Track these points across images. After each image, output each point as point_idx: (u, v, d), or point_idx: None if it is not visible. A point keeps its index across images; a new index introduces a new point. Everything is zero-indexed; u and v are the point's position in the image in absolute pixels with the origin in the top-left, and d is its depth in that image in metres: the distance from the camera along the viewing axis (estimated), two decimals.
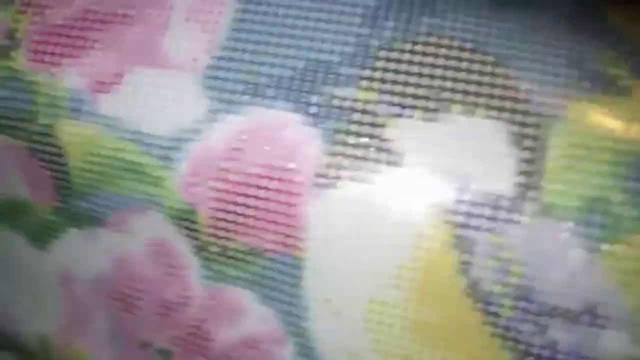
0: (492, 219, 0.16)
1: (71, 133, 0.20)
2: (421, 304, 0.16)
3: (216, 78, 0.18)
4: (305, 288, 0.17)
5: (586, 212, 0.16)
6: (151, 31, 0.19)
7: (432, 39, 0.17)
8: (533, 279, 0.16)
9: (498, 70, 0.16)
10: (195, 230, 0.19)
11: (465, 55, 0.17)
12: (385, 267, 0.17)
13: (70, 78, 0.19)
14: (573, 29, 0.17)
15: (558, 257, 0.16)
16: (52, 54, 0.19)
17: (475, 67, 0.17)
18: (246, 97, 0.18)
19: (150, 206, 0.19)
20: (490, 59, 0.17)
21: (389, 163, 0.17)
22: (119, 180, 0.19)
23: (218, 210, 0.18)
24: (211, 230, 0.18)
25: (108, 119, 0.19)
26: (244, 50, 0.18)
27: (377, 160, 0.17)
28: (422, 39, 0.17)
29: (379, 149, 0.17)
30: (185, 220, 0.19)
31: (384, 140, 0.17)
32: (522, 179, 0.16)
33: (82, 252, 0.21)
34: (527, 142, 0.16)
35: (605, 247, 0.15)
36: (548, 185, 0.16)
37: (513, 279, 0.16)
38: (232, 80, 0.18)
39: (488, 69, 0.16)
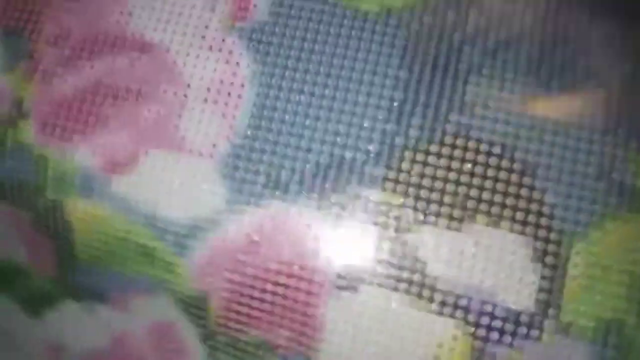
0: (512, 334, 0.16)
1: (80, 210, 0.19)
2: None
3: (236, 168, 0.18)
4: None
5: (602, 334, 0.16)
6: (168, 111, 0.18)
7: (459, 141, 0.17)
8: None
9: (524, 180, 0.16)
10: (205, 319, 0.18)
11: (493, 161, 0.17)
12: None
13: (82, 155, 0.19)
14: (606, 130, 0.17)
15: None
16: (63, 128, 0.18)
17: (502, 175, 0.17)
18: (267, 191, 0.18)
19: (158, 289, 0.19)
20: (518, 166, 0.17)
21: (411, 271, 0.17)
22: (127, 261, 0.19)
23: (231, 301, 0.18)
24: (222, 321, 0.18)
25: (121, 201, 0.18)
26: (266, 140, 0.18)
27: (400, 267, 0.17)
28: (449, 140, 0.17)
29: (403, 256, 0.17)
30: (195, 307, 0.18)
31: (408, 246, 0.17)
32: (543, 296, 0.16)
33: (78, 325, 0.21)
34: (550, 259, 0.16)
35: None
36: (567, 305, 0.16)
37: None
38: (252, 171, 0.18)
39: (514, 178, 0.16)
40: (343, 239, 0.17)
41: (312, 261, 0.17)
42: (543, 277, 0.16)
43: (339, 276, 0.17)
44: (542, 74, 0.17)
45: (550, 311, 0.16)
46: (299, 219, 0.17)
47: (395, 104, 0.17)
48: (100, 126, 0.19)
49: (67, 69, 0.19)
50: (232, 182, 0.18)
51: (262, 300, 0.17)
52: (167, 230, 0.18)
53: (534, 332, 0.16)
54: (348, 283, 0.17)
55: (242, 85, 0.18)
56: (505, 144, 0.17)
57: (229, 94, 0.18)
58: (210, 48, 0.19)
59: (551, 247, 0.16)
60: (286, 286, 0.17)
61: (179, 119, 0.18)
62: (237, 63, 0.18)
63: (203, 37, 0.18)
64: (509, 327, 0.16)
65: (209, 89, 0.18)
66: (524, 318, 0.16)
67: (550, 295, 0.16)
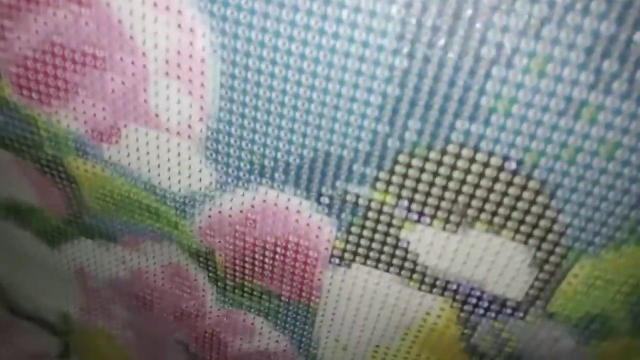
0: (497, 312, 0.17)
1: (81, 168, 0.19)
2: (422, 349, 0.19)
3: (217, 151, 0.16)
4: (317, 327, 0.20)
5: (586, 322, 0.16)
6: (131, 83, 0.16)
7: (465, 152, 0.14)
8: (523, 351, 0.18)
9: (539, 199, 0.14)
10: (212, 267, 0.20)
11: (505, 177, 0.14)
12: (393, 328, 0.18)
13: (67, 122, 0.17)
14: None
15: (550, 342, 0.17)
16: (38, 92, 0.17)
17: (513, 191, 0.14)
18: (253, 177, 0.16)
19: (166, 239, 0.20)
20: (534, 185, 0.14)
21: (403, 259, 0.16)
22: (134, 214, 0.19)
23: (235, 258, 0.19)
24: (229, 271, 0.20)
25: (116, 166, 0.18)
26: (242, 127, 0.15)
27: (392, 255, 0.16)
28: (452, 149, 0.14)
29: (394, 246, 0.16)
30: (202, 257, 0.20)
31: (400, 239, 0.16)
32: (533, 292, 0.16)
33: (96, 258, 0.22)
34: (549, 267, 0.15)
35: (594, 342, 0.17)
36: (557, 300, 0.16)
37: (507, 349, 0.18)
38: (234, 157, 0.16)
39: (527, 195, 0.14)
40: (335, 227, 0.16)
41: (306, 241, 0.17)
42: (537, 279, 0.15)
43: (333, 256, 0.17)
44: None
45: (538, 302, 0.16)
46: (289, 205, 0.16)
47: (389, 102, 0.14)
48: (73, 94, 0.17)
49: (14, 22, 0.16)
50: (217, 165, 0.16)
51: (263, 262, 0.19)
52: (167, 197, 0.18)
53: (519, 314, 0.16)
54: (341, 261, 0.17)
55: (203, 60, 0.15)
56: (524, 160, 0.13)
57: (191, 68, 0.15)
58: (155, 4, 0.14)
59: (553, 258, 0.15)
60: (284, 256, 0.18)
61: (146, 94, 0.16)
62: (191, 29, 0.14)
63: None
64: (494, 307, 0.17)
65: (167, 61, 0.15)
66: (510, 303, 0.16)
67: (542, 292, 0.16)
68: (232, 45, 0.14)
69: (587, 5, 0.11)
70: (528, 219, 0.14)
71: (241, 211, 0.17)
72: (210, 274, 0.20)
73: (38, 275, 0.25)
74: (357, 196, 0.16)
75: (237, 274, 0.19)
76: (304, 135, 0.15)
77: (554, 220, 0.14)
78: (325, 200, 0.16)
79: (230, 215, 0.18)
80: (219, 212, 0.18)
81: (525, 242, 0.15)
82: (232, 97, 0.15)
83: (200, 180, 0.17)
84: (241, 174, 0.16)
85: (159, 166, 0.17)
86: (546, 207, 0.14)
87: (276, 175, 0.16)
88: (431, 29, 0.12)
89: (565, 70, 0.12)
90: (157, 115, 0.16)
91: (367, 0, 0.13)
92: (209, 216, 0.18)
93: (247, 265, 0.19)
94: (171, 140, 0.17)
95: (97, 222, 0.21)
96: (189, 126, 0.16)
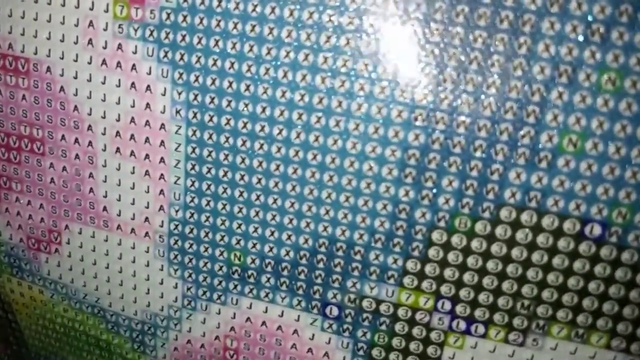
0: None
1: (16, 291, 0.15)
2: None
3: (184, 253, 0.12)
4: None
5: None
6: (75, 169, 0.12)
7: (526, 215, 0.10)
8: None
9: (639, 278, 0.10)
10: None
11: (586, 248, 0.10)
12: None
13: (2, 230, 0.14)
14: None
15: None
16: None
17: (600, 270, 0.10)
18: (232, 284, 0.12)
19: None
20: (629, 256, 0.10)
21: None
22: (82, 352, 0.15)
23: None
24: None
25: (57, 285, 0.14)
26: (216, 213, 0.12)
27: None
28: (507, 214, 0.10)
29: None
30: None
31: None
32: None
33: None
34: None
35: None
36: None
37: None
38: (207, 257, 0.12)
39: (621, 274, 0.10)
40: (350, 351, 0.12)
41: None
42: None
43: None
44: None
45: None
46: (282, 323, 0.12)
47: (411, 169, 0.10)
48: (5, 190, 0.13)
49: None
50: (184, 271, 0.12)
51: None
52: (120, 324, 0.14)
53: None
54: None
55: (163, 127, 0.11)
56: (611, 220, 0.09)
57: (148, 140, 0.12)
58: (104, 63, 0.11)
59: None
60: None
61: (93, 181, 0.12)
62: (149, 88, 0.11)
63: (90, 45, 0.11)
64: None
65: (118, 134, 0.12)
66: None
67: None
68: (201, 101, 0.11)
69: None
70: (627, 312, 0.10)
71: (217, 338, 0.13)
72: None
73: None
74: (378, 301, 0.11)
75: None
76: (299, 217, 0.11)
77: None
78: (332, 311, 0.12)
79: (203, 346, 0.13)
80: (188, 341, 0.13)
81: (627, 349, 0.10)
82: (202, 173, 0.11)
83: (163, 295, 0.13)
84: (216, 281, 0.12)
85: (108, 280, 0.13)
86: None
87: (263, 279, 0.12)
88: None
89: None
90: (105, 209, 0.13)
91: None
92: (175, 348, 0.13)
93: None
94: (124, 242, 0.13)
95: None
96: (147, 220, 0.12)
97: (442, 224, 0.10)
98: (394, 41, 0.10)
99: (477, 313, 0.11)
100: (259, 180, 0.11)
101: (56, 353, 0.15)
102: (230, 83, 0.11)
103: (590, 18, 0.09)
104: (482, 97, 0.10)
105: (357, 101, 0.10)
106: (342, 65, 0.10)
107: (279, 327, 0.12)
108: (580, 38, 0.09)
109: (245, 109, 0.11)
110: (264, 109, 0.11)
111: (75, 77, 0.12)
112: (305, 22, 0.10)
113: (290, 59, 0.10)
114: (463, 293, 0.11)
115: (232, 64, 0.11)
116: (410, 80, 0.10)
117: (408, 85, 0.10)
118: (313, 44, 0.10)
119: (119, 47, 0.11)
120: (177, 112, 0.11)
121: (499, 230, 0.10)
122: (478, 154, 0.10)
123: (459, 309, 0.11)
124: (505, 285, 0.10)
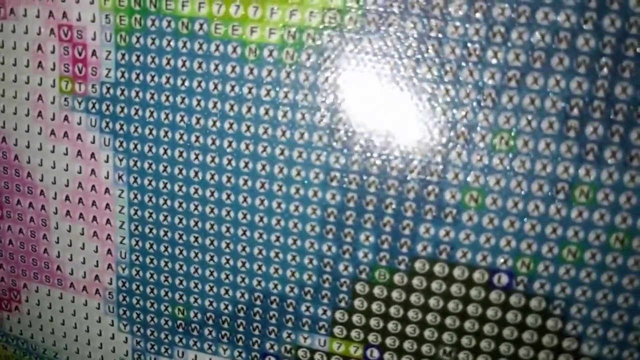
0: None
1: None
2: None
3: (132, 308, 0.13)
4: None
5: None
6: (30, 231, 0.13)
7: (438, 267, 0.10)
8: None
9: (549, 323, 0.10)
10: None
11: (496, 297, 0.10)
12: None
13: None
14: None
15: None
16: None
17: (511, 317, 0.10)
18: (178, 338, 0.13)
19: None
20: (536, 304, 0.10)
21: None
22: None
23: None
24: None
25: (19, 341, 0.14)
26: (159, 270, 0.12)
27: None
28: (420, 266, 0.11)
29: None
30: None
31: None
32: None
33: None
34: None
35: None
36: None
37: None
38: (153, 312, 0.13)
39: (531, 320, 0.10)
40: None
41: None
42: None
43: None
44: None
45: None
46: None
47: (336, 216, 0.11)
48: None
49: None
50: (132, 326, 0.13)
51: None
52: None
53: None
54: None
55: (107, 191, 0.12)
56: (516, 269, 0.10)
57: (94, 203, 0.12)
58: (52, 133, 0.12)
59: None
60: None
61: (47, 242, 0.13)
62: (93, 155, 0.12)
63: (39, 116, 0.12)
64: None
65: (67, 198, 0.13)
66: None
67: None
68: (140, 167, 0.12)
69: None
70: (542, 356, 0.10)
71: None
72: None
73: None
74: (312, 350, 0.12)
75: None
76: (235, 272, 0.12)
77: (577, 356, 0.10)
78: None
79: None
80: None
81: None
82: (144, 233, 0.12)
83: (114, 350, 0.13)
84: (162, 335, 0.13)
85: (64, 335, 0.14)
86: (561, 334, 0.10)
87: (206, 332, 0.12)
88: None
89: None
90: (59, 269, 0.13)
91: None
92: None
93: None
94: (77, 299, 0.13)
95: None
96: (97, 278, 0.13)
97: (363, 276, 0.11)
98: (307, 111, 0.11)
99: None
100: (196, 239, 0.12)
101: None
102: (165, 150, 0.12)
103: (481, 84, 0.10)
104: (391, 158, 0.10)
105: (278, 165, 0.11)
106: (263, 132, 0.11)
107: None
108: (474, 103, 0.10)
109: (180, 173, 0.12)
110: (196, 173, 0.11)
111: (28, 147, 0.13)
112: (228, 94, 0.11)
113: (217, 127, 0.11)
114: (389, 341, 0.11)
115: (166, 132, 0.11)
116: (324, 145, 0.11)
117: (322, 150, 0.11)
118: (236, 113, 0.11)
119: (65, 118, 0.12)
120: (120, 177, 0.12)
121: (416, 281, 0.11)
122: (389, 210, 0.10)
123: (386, 356, 0.11)
124: (427, 333, 0.11)
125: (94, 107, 0.12)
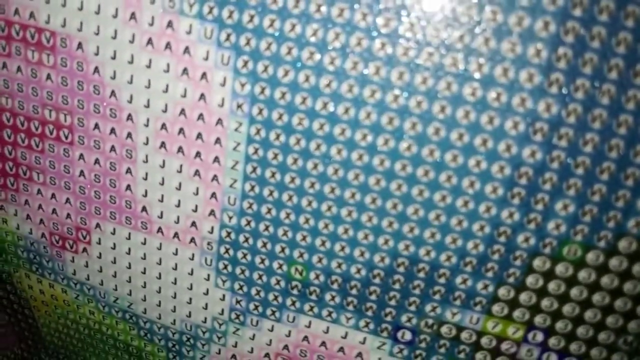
0: None
1: (35, 288, 0.13)
2: None
3: (236, 263, 0.11)
4: None
5: None
6: (110, 163, 0.11)
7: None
8: None
9: None
10: None
11: None
12: None
13: (17, 222, 0.12)
14: None
15: None
16: None
17: None
18: (290, 301, 0.11)
19: None
20: None
21: None
22: (108, 356, 0.13)
23: None
24: None
25: (84, 286, 0.12)
26: (276, 222, 0.10)
27: None
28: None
29: None
30: None
31: None
32: None
33: None
34: None
35: None
36: None
37: None
38: (263, 270, 0.11)
39: None
40: None
41: None
42: None
43: None
44: None
45: None
46: (345, 345, 0.11)
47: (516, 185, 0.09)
48: (25, 181, 0.11)
49: None
50: (234, 283, 0.11)
51: None
52: (155, 332, 0.12)
53: None
54: None
55: (220, 122, 0.10)
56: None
57: (200, 136, 0.10)
58: (150, 42, 0.10)
59: None
60: None
61: (131, 178, 0.11)
62: (205, 75, 0.10)
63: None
64: None
65: (164, 127, 0.10)
66: None
67: None
68: (269, 95, 0.09)
69: None
70: None
71: (267, 355, 0.11)
72: None
73: None
74: (459, 327, 0.10)
75: None
76: (377, 232, 0.10)
77: None
78: (405, 335, 0.10)
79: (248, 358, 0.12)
80: (233, 356, 0.12)
81: None
82: (264, 178, 0.10)
83: (207, 306, 0.11)
84: (271, 296, 0.11)
85: (144, 286, 0.12)
86: None
87: (327, 297, 0.11)
88: None
89: None
90: (145, 210, 0.11)
91: None
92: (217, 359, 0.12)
93: None
94: (165, 247, 0.11)
95: None
96: (194, 225, 0.11)
97: (547, 250, 0.09)
98: None
99: (572, 347, 0.10)
100: (332, 190, 0.10)
101: (77, 353, 0.14)
102: (307, 76, 0.09)
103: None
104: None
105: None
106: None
107: (341, 349, 0.11)
108: None
109: (323, 108, 0.09)
110: (346, 110, 0.09)
111: (114, 58, 0.10)
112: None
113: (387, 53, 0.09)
114: (559, 325, 0.10)
115: (312, 54, 0.09)
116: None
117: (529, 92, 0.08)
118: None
119: (169, 24, 0.09)
120: (239, 106, 0.10)
121: (614, 262, 0.09)
122: (604, 176, 0.08)
123: (552, 341, 0.10)
124: (610, 320, 0.09)
125: (211, 12, 0.09)
